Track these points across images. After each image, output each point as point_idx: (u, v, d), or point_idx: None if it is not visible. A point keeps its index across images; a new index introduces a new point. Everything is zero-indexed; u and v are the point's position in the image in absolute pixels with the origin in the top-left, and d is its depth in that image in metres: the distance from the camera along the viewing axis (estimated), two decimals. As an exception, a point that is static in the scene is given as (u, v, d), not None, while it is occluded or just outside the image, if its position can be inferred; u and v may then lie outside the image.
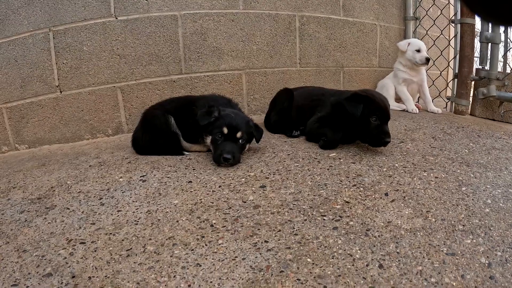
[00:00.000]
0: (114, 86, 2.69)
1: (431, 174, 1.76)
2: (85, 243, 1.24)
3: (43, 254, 1.20)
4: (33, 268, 1.13)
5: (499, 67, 3.19)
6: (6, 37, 2.48)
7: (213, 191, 1.57)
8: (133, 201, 1.52)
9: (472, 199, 1.51)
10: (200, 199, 1.50)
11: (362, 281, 0.98)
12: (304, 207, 1.40)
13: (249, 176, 1.73)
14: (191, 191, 1.58)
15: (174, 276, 1.02)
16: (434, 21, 3.61)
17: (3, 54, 2.48)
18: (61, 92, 2.59)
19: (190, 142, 2.17)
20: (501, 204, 1.47)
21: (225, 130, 1.91)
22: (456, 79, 3.34)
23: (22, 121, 2.56)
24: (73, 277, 1.07)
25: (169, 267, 1.07)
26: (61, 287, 1.02)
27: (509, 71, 3.16)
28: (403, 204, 1.44)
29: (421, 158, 1.98)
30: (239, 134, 1.93)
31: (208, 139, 1.99)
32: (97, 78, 2.64)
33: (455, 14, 3.41)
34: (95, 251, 1.19)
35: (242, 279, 0.97)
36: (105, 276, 1.06)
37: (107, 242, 1.24)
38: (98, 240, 1.25)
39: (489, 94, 3.09)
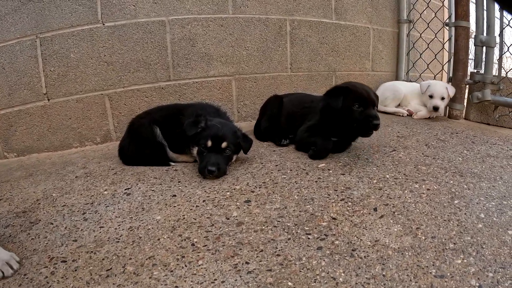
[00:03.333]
0: (102, 94, 2.67)
1: (423, 186, 1.74)
2: (66, 261, 1.23)
3: (25, 273, 1.18)
4: (16, 287, 1.11)
5: (494, 71, 3.20)
6: (-6, 44, 2.46)
7: (196, 206, 1.55)
8: (116, 217, 1.50)
9: (465, 214, 1.49)
10: (183, 215, 1.48)
11: None
12: (288, 224, 1.38)
13: (234, 189, 1.72)
14: (175, 206, 1.56)
15: (151, 300, 1.01)
16: (428, 24, 3.60)
17: (-10, 62, 2.47)
18: (48, 100, 2.57)
19: (177, 152, 2.14)
20: (494, 219, 1.45)
21: (210, 142, 1.89)
22: (450, 83, 3.34)
23: (11, 129, 2.53)
24: None
25: (147, 289, 1.05)
26: None
27: (504, 75, 3.15)
28: (392, 220, 1.42)
29: (413, 168, 1.97)
30: (224, 145, 1.91)
31: (195, 150, 1.97)
32: (85, 85, 2.61)
33: (449, 17, 3.40)
34: (76, 270, 1.18)
35: (220, 305, 0.96)
36: None
37: (88, 261, 1.22)
38: (79, 258, 1.24)
39: (484, 98, 3.09)
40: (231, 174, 1.92)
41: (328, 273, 1.09)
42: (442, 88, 3.13)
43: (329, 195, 1.63)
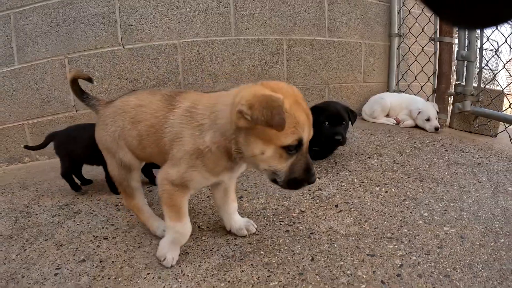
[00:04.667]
0: (123, 106, 3.33)
1: (383, 189, 2.26)
2: (107, 238, 1.83)
3: (76, 247, 1.76)
4: (70, 256, 1.69)
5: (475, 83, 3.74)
6: (26, 62, 3.10)
7: (202, 200, 2.20)
8: (141, 208, 2.14)
9: (411, 212, 1.96)
10: (192, 207, 2.12)
11: (295, 268, 1.56)
12: (268, 214, 2.01)
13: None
14: (186, 201, 2.21)
15: (171, 261, 1.64)
16: (416, 38, 4.19)
17: (24, 77, 3.11)
18: (77, 111, 3.23)
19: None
20: (436, 217, 1.91)
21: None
22: (435, 94, 3.91)
23: (42, 136, 3.17)
24: (101, 261, 1.64)
25: (167, 255, 1.69)
26: (92, 269, 1.58)
27: (483, 87, 3.70)
28: (348, 214, 1.99)
29: (380, 174, 2.50)
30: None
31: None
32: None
33: (435, 33, 3.96)
34: (116, 244, 1.78)
35: (215, 262, 1.59)
36: (124, 260, 1.65)
37: (124, 238, 1.83)
38: (117, 236, 1.84)
39: (464, 109, 3.63)
40: (230, 176, 2.55)
41: (289, 247, 1.71)
42: (433, 108, 3.69)
43: (303, 194, 2.25)
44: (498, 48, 3.76)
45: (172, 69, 3.44)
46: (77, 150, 2.34)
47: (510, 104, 3.60)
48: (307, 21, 3.87)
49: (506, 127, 3.39)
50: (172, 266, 1.59)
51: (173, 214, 1.57)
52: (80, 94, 1.98)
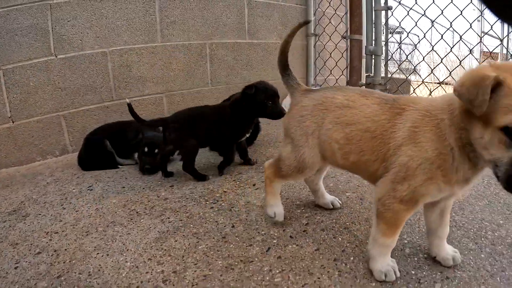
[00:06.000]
0: (58, 115, 3.62)
1: None
2: (58, 232, 2.15)
3: (31, 243, 2.03)
4: (27, 251, 1.96)
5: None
6: (-40, 75, 3.27)
7: (138, 191, 2.63)
8: (86, 204, 2.51)
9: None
10: (130, 198, 2.55)
11: (219, 234, 2.03)
12: (195, 197, 2.49)
13: (163, 179, 2.83)
14: (124, 193, 2.63)
15: (115, 240, 2.04)
16: (330, 36, 4.82)
17: (-42, 91, 3.29)
18: (13, 122, 3.46)
19: (123, 158, 3.21)
20: (340, 186, 2.50)
21: (146, 148, 2.97)
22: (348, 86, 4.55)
23: (-18, 148, 3.41)
24: (55, 251, 1.96)
25: (112, 236, 2.08)
26: (48, 257, 1.90)
27: (390, 77, 4.36)
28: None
29: None
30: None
31: (136, 155, 3.05)
32: (43, 108, 3.54)
33: (346, 31, 4.61)
34: (66, 235, 2.11)
35: (153, 237, 2.03)
36: (75, 247, 2.00)
37: (72, 229, 2.17)
38: (66, 229, 2.17)
39: (374, 96, 4.29)
40: (164, 170, 3.00)
41: (214, 219, 2.19)
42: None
43: (226, 178, 2.77)
44: (400, 42, 4.45)
45: (103, 76, 3.77)
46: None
47: (414, 90, 4.32)
48: (228, 26, 4.36)
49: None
50: (397, 277, 1.53)
51: (389, 231, 1.49)
52: (284, 69, 2.01)
